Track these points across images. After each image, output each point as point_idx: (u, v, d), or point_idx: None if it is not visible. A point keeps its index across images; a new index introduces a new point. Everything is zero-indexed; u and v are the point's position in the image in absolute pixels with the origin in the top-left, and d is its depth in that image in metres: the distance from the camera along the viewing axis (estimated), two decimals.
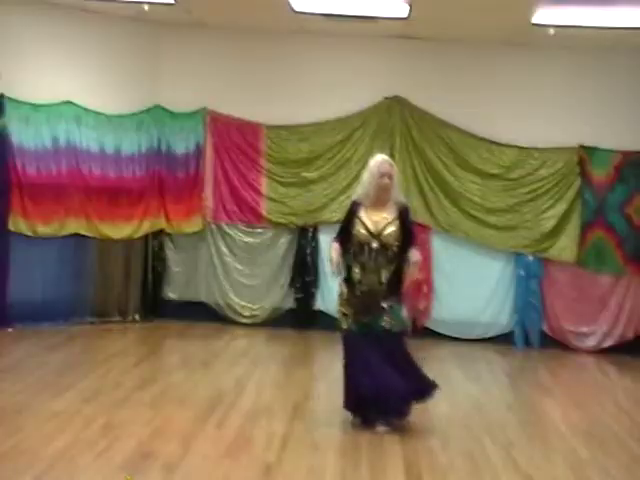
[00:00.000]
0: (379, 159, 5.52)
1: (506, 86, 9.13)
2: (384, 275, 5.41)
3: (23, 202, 8.32)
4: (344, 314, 5.52)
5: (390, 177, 5.44)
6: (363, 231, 5.41)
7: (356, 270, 5.44)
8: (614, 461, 5.24)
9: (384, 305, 5.42)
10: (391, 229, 5.42)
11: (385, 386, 5.31)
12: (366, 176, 5.51)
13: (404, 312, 5.79)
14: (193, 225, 9.25)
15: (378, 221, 5.43)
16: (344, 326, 5.52)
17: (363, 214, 5.45)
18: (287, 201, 9.22)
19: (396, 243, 5.43)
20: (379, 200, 5.46)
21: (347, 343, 5.53)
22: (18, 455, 4.63)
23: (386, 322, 5.44)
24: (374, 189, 5.44)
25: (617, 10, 7.43)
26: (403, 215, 5.51)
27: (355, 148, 9.14)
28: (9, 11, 8.17)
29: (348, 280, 5.51)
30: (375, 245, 5.39)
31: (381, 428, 5.40)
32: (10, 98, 8.20)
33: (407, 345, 5.61)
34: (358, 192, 5.60)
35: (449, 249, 9.21)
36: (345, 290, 5.52)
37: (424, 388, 5.53)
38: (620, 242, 8.96)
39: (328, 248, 6.18)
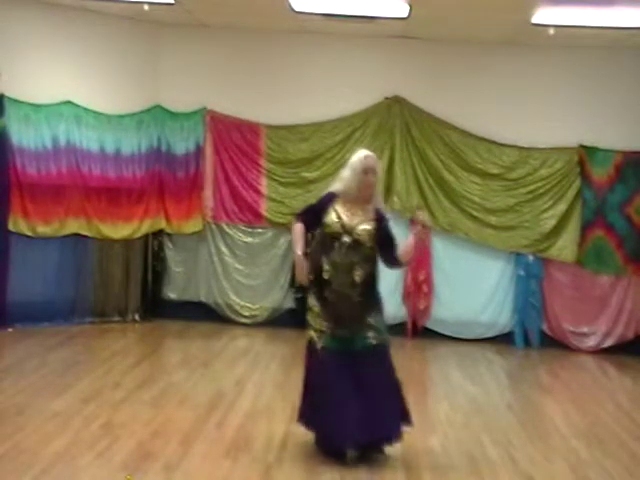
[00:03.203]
0: (362, 154, 4.95)
1: (506, 86, 9.12)
2: (358, 275, 4.77)
3: (23, 202, 8.32)
4: (320, 330, 4.84)
5: (375, 173, 4.89)
6: (336, 220, 4.82)
7: (326, 268, 4.79)
8: (614, 461, 5.23)
9: (370, 321, 4.83)
10: (366, 226, 4.83)
11: (340, 430, 4.72)
12: (347, 173, 4.91)
13: (386, 324, 5.01)
14: (193, 225, 9.25)
15: (353, 216, 4.85)
16: (320, 345, 4.83)
17: (339, 206, 4.87)
18: (287, 201, 9.21)
19: (370, 243, 4.83)
20: (360, 199, 4.89)
21: (318, 363, 4.87)
22: (18, 455, 4.63)
23: (372, 338, 4.83)
24: (357, 186, 4.85)
25: (617, 10, 7.42)
26: (381, 221, 4.92)
27: (355, 148, 9.05)
28: (9, 11, 8.17)
29: (317, 284, 4.85)
30: (346, 239, 4.78)
31: (351, 452, 4.75)
32: (10, 98, 8.20)
33: (392, 362, 4.97)
34: (336, 187, 4.97)
35: (449, 249, 9.22)
36: (315, 302, 4.89)
37: (389, 430, 4.85)
38: (620, 242, 8.95)
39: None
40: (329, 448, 4.87)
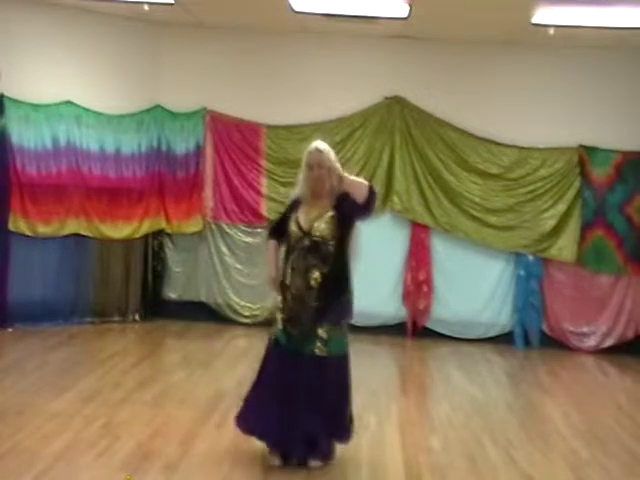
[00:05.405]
0: (309, 148, 4.76)
1: (506, 86, 9.13)
2: (314, 278, 4.66)
3: (23, 202, 8.32)
4: (275, 322, 4.83)
5: (320, 167, 4.69)
6: (295, 229, 4.75)
7: (288, 272, 4.75)
8: (614, 461, 5.24)
9: (320, 332, 4.66)
10: (322, 223, 4.69)
11: (280, 432, 4.66)
12: (300, 172, 4.83)
13: (344, 332, 4.81)
14: (193, 225, 9.25)
15: (310, 216, 4.74)
16: (273, 336, 4.80)
17: (300, 211, 4.79)
18: (287, 201, 9.17)
19: (331, 240, 4.68)
20: (315, 195, 4.76)
21: (267, 355, 4.83)
22: (18, 455, 4.64)
23: (319, 349, 4.67)
24: (305, 183, 4.77)
25: (617, 10, 7.43)
26: (341, 201, 4.71)
27: (355, 148, 9.13)
28: (9, 11, 8.17)
29: (283, 284, 4.82)
30: (306, 243, 4.68)
31: (273, 459, 4.75)
32: (10, 98, 8.20)
33: (344, 374, 4.79)
34: (296, 190, 4.91)
35: (449, 249, 9.21)
36: (280, 296, 4.84)
37: (325, 439, 4.72)
38: (620, 242, 8.96)
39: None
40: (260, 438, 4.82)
